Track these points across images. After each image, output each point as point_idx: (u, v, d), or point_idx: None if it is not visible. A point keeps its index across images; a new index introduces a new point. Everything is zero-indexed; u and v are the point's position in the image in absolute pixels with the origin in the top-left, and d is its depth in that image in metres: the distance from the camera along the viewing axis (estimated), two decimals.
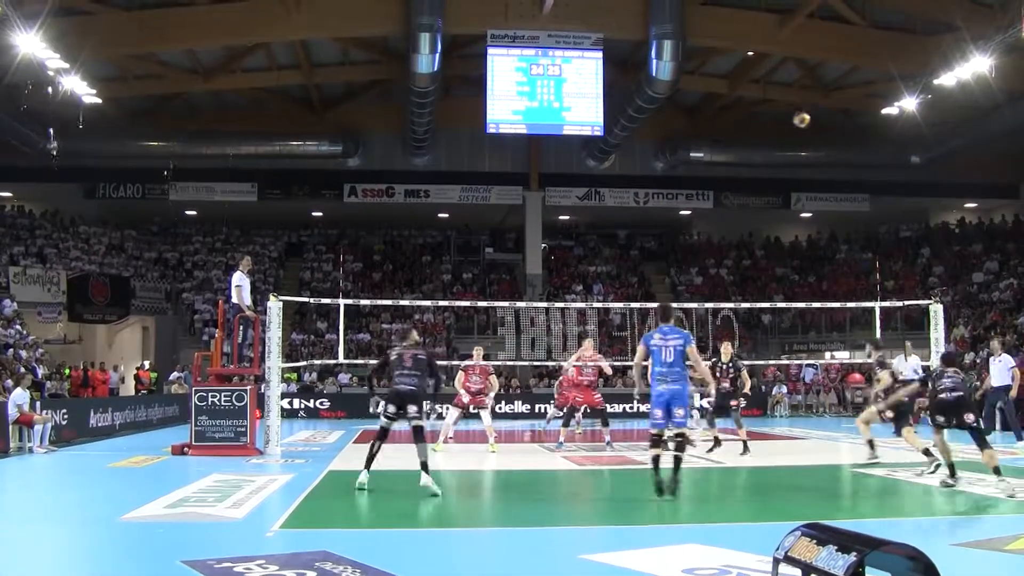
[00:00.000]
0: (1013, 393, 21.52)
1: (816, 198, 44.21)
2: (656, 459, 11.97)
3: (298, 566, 7.78)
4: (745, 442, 18.04)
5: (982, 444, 12.53)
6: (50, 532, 10.12)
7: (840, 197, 44.01)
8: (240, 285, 19.14)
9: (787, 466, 14.95)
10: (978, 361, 30.45)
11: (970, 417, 12.55)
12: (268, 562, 7.95)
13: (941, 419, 12.71)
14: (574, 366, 19.49)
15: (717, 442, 18.08)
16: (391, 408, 13.04)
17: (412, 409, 12.97)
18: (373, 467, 12.78)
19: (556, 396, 22.80)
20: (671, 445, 11.98)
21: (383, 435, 13.20)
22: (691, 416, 15.56)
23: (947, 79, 29.06)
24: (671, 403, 11.93)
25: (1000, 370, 21.53)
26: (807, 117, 23.66)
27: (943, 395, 12.68)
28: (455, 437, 21.87)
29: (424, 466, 12.80)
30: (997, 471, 12.23)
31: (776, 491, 12.50)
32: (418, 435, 12.97)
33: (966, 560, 8.19)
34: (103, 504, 11.93)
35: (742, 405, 18.81)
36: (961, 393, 12.74)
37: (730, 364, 18.51)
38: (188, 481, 13.29)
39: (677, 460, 11.93)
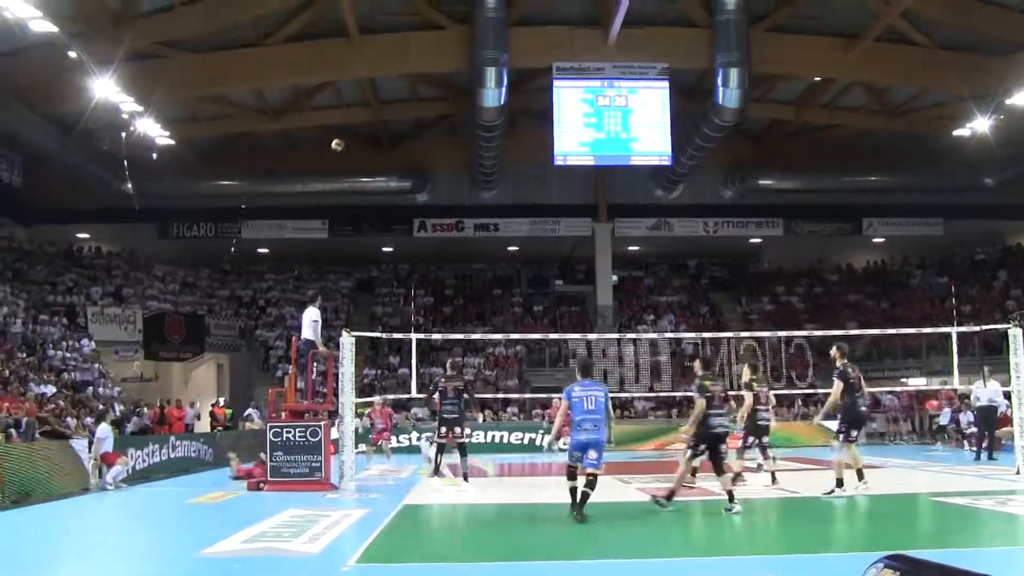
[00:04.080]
0: None
1: (888, 223, 43.72)
2: (574, 490, 13.47)
3: None
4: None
5: None
6: (132, 568, 10.25)
7: (913, 221, 43.47)
8: (316, 320, 19.33)
9: (864, 495, 14.76)
10: None
11: None
12: None
13: None
14: None
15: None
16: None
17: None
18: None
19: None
20: (582, 483, 13.36)
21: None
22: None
23: (1020, 99, 28.71)
24: (587, 447, 13.41)
25: None
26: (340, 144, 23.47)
27: None
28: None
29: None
30: None
31: (854, 520, 12.35)
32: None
33: None
34: (182, 540, 12.08)
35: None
36: None
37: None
38: (264, 516, 13.38)
39: (585, 495, 13.29)
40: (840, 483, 15.18)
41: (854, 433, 15.51)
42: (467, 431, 19.48)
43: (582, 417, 13.42)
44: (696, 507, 15.27)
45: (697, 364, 14.74)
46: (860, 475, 15.25)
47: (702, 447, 13.95)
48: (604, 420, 13.65)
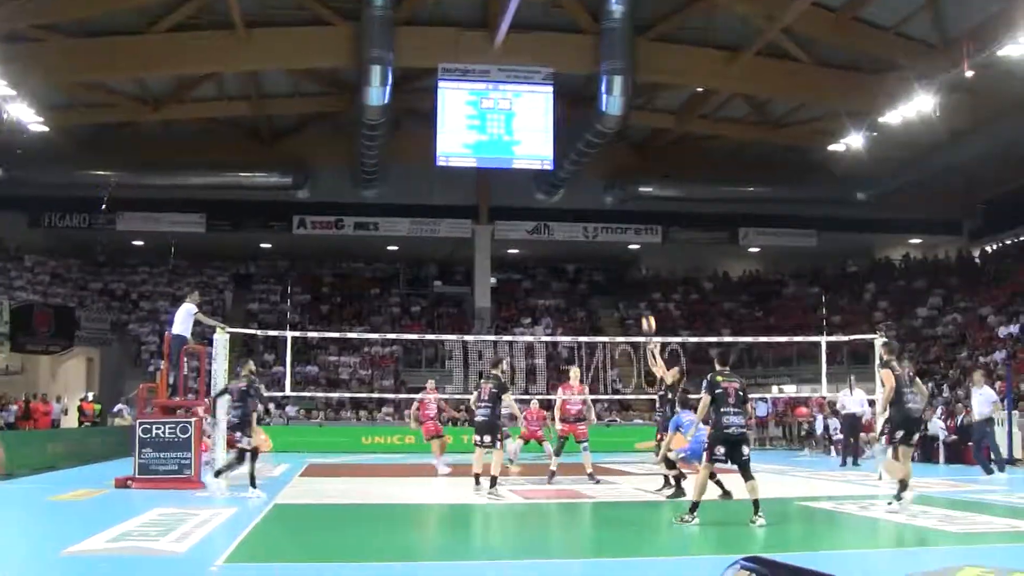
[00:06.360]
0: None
1: (763, 233, 44.69)
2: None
3: None
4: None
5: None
6: None
7: (787, 232, 44.55)
8: (192, 315, 18.98)
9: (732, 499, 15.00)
10: (960, 393, 30.61)
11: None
12: None
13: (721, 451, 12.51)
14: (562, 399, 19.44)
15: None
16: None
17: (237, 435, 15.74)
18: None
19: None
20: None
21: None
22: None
23: (892, 117, 29.60)
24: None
25: (981, 402, 21.55)
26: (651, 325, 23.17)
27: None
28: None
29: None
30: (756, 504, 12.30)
31: (720, 524, 12.52)
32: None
33: None
34: (43, 539, 11.73)
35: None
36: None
37: None
38: (131, 515, 13.07)
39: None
40: (904, 486, 13.32)
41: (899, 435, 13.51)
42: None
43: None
44: (562, 509, 15.41)
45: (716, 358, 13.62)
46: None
47: (719, 450, 12.52)
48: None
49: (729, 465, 12.74)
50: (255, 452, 16.02)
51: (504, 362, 17.21)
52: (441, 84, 34.51)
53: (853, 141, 32.90)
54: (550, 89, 34.88)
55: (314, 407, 36.68)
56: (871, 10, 30.11)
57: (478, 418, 16.51)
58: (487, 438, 16.19)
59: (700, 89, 35.94)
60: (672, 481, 16.04)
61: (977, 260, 44.38)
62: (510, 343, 28.95)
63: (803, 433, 34.89)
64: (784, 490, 17.08)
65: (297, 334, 25.83)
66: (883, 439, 13.96)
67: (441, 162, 35.64)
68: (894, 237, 46.52)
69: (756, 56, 32.35)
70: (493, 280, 44.46)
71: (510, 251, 46.45)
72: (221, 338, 18.15)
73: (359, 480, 20.13)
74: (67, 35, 30.48)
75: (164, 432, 17.96)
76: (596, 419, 21.52)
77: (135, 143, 39.28)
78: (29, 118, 29.65)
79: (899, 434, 13.44)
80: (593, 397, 20.21)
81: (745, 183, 41.55)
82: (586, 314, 46.07)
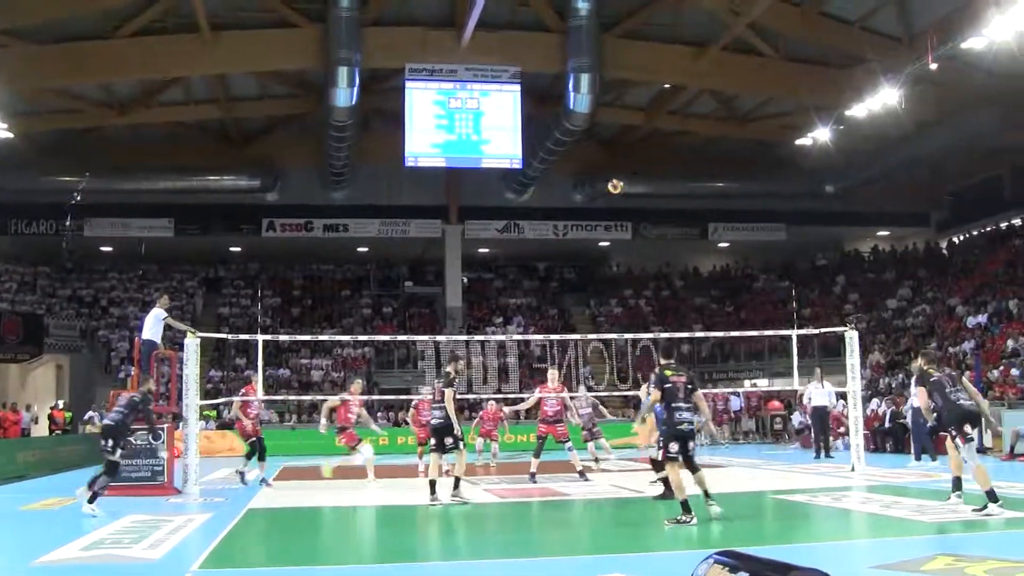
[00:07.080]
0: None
1: (733, 228, 44.78)
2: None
3: None
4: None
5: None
6: None
7: (756, 227, 44.63)
8: (162, 320, 18.89)
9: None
10: (893, 385, 30.95)
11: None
12: None
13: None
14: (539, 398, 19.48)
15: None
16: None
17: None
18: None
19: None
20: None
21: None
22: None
23: (858, 110, 29.79)
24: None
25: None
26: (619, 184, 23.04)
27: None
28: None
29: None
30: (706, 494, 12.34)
31: (698, 519, 12.55)
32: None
33: None
34: (14, 549, 11.63)
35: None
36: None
37: None
38: (104, 523, 13.02)
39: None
40: (993, 496, 12.04)
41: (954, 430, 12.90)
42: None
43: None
44: (539, 507, 15.42)
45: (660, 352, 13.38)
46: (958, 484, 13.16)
47: (673, 448, 12.39)
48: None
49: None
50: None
51: (460, 362, 16.54)
52: (408, 84, 34.45)
53: (820, 135, 33.05)
54: (518, 88, 34.85)
55: (286, 410, 36.60)
56: (836, 4, 30.32)
57: (434, 421, 15.68)
58: (448, 440, 15.35)
59: (668, 85, 36.00)
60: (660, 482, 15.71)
61: (945, 251, 44.61)
62: (482, 342, 28.96)
63: (775, 427, 35.03)
64: (758, 484, 17.17)
65: (268, 337, 25.78)
66: (956, 439, 12.91)
67: (410, 162, 35.58)
68: (863, 230, 46.75)
69: (723, 51, 32.46)
70: (464, 279, 44.42)
71: (480, 250, 46.42)
72: (192, 343, 18.09)
73: (333, 483, 20.08)
74: (31, 41, 30.18)
75: (136, 439, 17.85)
76: (576, 420, 21.14)
77: (102, 148, 38.98)
78: None
79: (954, 430, 12.79)
80: (568, 395, 20.07)
81: (714, 178, 41.65)
82: (558, 312, 46.12)
